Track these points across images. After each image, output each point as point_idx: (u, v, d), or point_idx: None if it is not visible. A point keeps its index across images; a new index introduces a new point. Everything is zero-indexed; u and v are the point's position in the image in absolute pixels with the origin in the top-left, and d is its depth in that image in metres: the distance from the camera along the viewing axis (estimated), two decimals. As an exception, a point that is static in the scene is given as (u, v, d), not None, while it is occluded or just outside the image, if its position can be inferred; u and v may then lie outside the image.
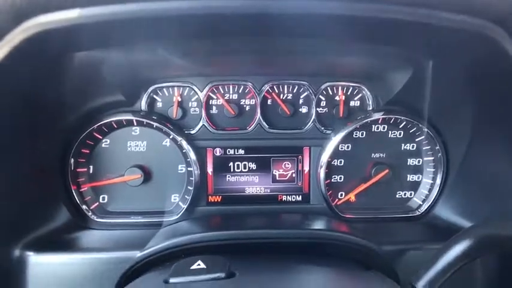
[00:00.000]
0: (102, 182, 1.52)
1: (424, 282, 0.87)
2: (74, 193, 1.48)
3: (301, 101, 1.61)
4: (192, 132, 1.57)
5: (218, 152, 1.59)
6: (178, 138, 1.51)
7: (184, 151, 1.53)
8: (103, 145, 1.53)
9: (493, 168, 1.32)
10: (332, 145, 1.54)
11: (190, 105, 1.57)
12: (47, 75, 1.13)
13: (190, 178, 1.54)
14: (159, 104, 1.57)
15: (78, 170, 1.50)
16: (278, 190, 1.62)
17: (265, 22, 0.91)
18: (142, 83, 1.53)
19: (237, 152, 1.59)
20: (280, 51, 1.36)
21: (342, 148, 1.59)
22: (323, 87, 1.59)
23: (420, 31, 0.94)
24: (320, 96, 1.60)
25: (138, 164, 1.53)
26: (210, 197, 1.60)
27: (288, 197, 1.62)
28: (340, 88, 1.60)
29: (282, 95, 1.60)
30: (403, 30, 0.95)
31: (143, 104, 1.54)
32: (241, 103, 1.59)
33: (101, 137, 1.52)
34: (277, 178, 1.62)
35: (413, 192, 1.63)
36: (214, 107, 1.58)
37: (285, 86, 1.60)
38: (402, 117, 1.54)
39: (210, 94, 1.57)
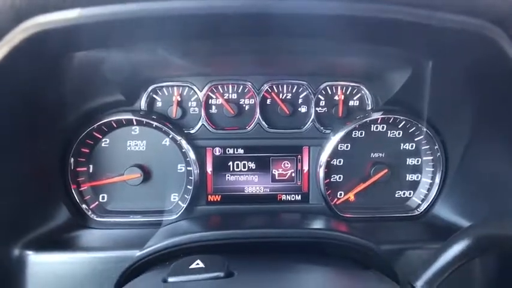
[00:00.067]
0: (101, 181, 1.53)
1: (422, 281, 0.87)
2: (74, 192, 1.48)
3: (300, 101, 1.61)
4: (192, 131, 1.57)
5: (217, 151, 1.59)
6: (178, 138, 1.51)
7: (183, 150, 1.53)
8: (103, 144, 1.53)
9: (492, 167, 1.32)
10: (331, 145, 1.54)
11: (189, 104, 1.58)
12: (46, 75, 1.13)
13: (190, 177, 1.54)
14: (159, 104, 1.57)
15: (78, 169, 1.50)
16: (277, 189, 1.62)
17: (265, 22, 0.91)
18: (142, 82, 1.54)
19: (237, 151, 1.59)
20: (279, 51, 1.36)
21: (341, 148, 1.59)
22: (322, 87, 1.59)
23: (420, 31, 0.94)
24: (319, 96, 1.60)
25: (138, 163, 1.53)
26: (209, 196, 1.60)
27: (287, 196, 1.63)
28: (339, 88, 1.60)
29: (281, 95, 1.60)
30: (403, 30, 0.95)
31: (143, 103, 1.55)
32: (241, 103, 1.59)
33: (100, 137, 1.52)
34: (277, 177, 1.62)
35: (412, 192, 1.63)
36: (213, 107, 1.59)
37: (284, 86, 1.60)
38: (401, 117, 1.54)
39: (210, 94, 1.57)
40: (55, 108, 1.31)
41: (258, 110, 1.58)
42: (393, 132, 1.60)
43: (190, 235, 1.09)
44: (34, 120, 1.21)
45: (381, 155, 1.60)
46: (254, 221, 1.48)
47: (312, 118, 1.59)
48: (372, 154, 1.60)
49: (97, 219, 1.51)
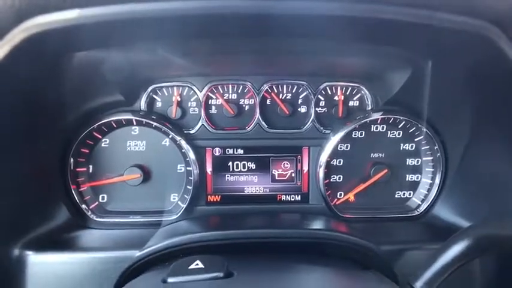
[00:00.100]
0: (101, 181, 1.53)
1: (422, 282, 0.87)
2: (74, 192, 1.48)
3: (300, 101, 1.61)
4: (191, 131, 1.57)
5: (217, 151, 1.59)
6: (178, 138, 1.51)
7: (183, 151, 1.53)
8: (102, 145, 1.53)
9: (491, 168, 1.32)
10: (331, 145, 1.54)
11: (189, 105, 1.58)
12: (46, 75, 1.13)
13: (190, 178, 1.54)
14: (159, 104, 1.57)
15: (78, 169, 1.50)
16: (277, 190, 1.62)
17: (265, 23, 0.91)
18: (142, 82, 1.54)
19: (236, 151, 1.59)
20: (279, 51, 1.36)
21: (341, 148, 1.59)
22: (322, 87, 1.59)
23: (419, 32, 0.95)
24: (319, 96, 1.60)
25: (138, 163, 1.53)
26: (209, 196, 1.60)
27: (287, 196, 1.63)
28: (339, 88, 1.60)
29: (281, 95, 1.60)
30: (402, 31, 0.95)
31: (142, 103, 1.55)
32: (241, 103, 1.59)
33: (100, 137, 1.52)
34: (277, 178, 1.62)
35: (412, 192, 1.63)
36: (213, 107, 1.59)
37: (284, 86, 1.60)
38: (401, 117, 1.54)
39: (209, 94, 1.58)
40: (55, 108, 1.31)
41: (257, 110, 1.58)
42: (393, 133, 1.60)
43: (190, 235, 1.09)
44: (34, 120, 1.21)
45: (380, 155, 1.60)
46: (254, 221, 1.48)
47: (311, 118, 1.59)
48: (371, 154, 1.60)
49: (97, 219, 1.51)
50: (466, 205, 1.46)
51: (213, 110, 1.59)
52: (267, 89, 1.58)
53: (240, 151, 1.60)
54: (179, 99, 1.57)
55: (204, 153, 1.58)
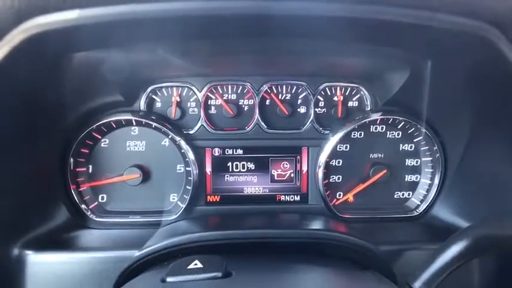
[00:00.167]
0: (101, 181, 1.53)
1: (421, 282, 0.87)
2: (73, 192, 1.49)
3: (299, 101, 1.61)
4: (191, 132, 1.58)
5: (217, 152, 1.59)
6: (177, 138, 1.52)
7: (183, 151, 1.53)
8: (102, 145, 1.53)
9: (491, 168, 1.32)
10: (330, 145, 1.54)
11: (189, 105, 1.58)
12: (46, 76, 1.13)
13: (189, 178, 1.54)
14: (158, 104, 1.57)
15: (78, 169, 1.50)
16: (276, 190, 1.63)
17: (265, 23, 0.92)
18: (141, 83, 1.54)
19: (236, 152, 1.60)
20: (278, 51, 1.37)
21: (340, 148, 1.60)
22: (321, 87, 1.59)
23: (419, 33, 0.95)
24: (318, 97, 1.61)
25: (137, 163, 1.54)
26: (208, 196, 1.60)
27: (286, 197, 1.63)
28: (338, 88, 1.60)
29: (280, 95, 1.60)
30: (402, 31, 0.96)
31: (142, 104, 1.55)
32: (240, 103, 1.59)
33: (100, 137, 1.52)
34: (276, 178, 1.62)
35: (411, 193, 1.63)
36: (213, 107, 1.59)
37: (284, 87, 1.60)
38: (400, 118, 1.54)
39: (209, 94, 1.58)
40: (55, 109, 1.31)
41: (257, 111, 1.58)
42: (392, 133, 1.60)
43: (189, 235, 1.09)
44: (34, 121, 1.21)
45: (380, 155, 1.60)
46: (253, 221, 1.48)
47: (311, 119, 1.60)
48: (371, 155, 1.60)
49: (96, 219, 1.51)
50: (465, 205, 1.46)
51: (213, 111, 1.59)
52: (266, 90, 1.59)
53: (240, 151, 1.60)
54: (179, 100, 1.57)
55: (204, 154, 1.59)
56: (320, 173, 1.56)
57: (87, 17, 0.80)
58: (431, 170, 1.58)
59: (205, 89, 1.56)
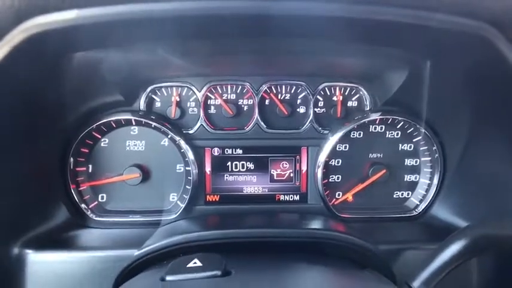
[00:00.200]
0: (101, 181, 1.53)
1: (420, 281, 0.88)
2: (73, 192, 1.49)
3: (299, 101, 1.61)
4: (190, 131, 1.58)
5: (216, 151, 1.60)
6: (177, 138, 1.52)
7: (182, 151, 1.53)
8: (102, 144, 1.54)
9: (490, 168, 1.32)
10: (330, 145, 1.55)
11: (188, 105, 1.58)
12: (46, 76, 1.13)
13: (189, 177, 1.55)
14: (158, 104, 1.57)
15: (78, 169, 1.50)
16: (276, 190, 1.63)
17: (263, 23, 0.92)
18: (141, 83, 1.54)
19: (235, 151, 1.60)
20: (278, 51, 1.37)
21: (339, 148, 1.60)
22: (321, 87, 1.60)
23: (417, 33, 0.95)
24: (318, 97, 1.61)
25: (137, 163, 1.54)
26: (208, 196, 1.61)
27: (285, 196, 1.63)
28: (337, 88, 1.61)
29: (279, 95, 1.60)
30: (401, 32, 0.96)
31: (142, 103, 1.55)
32: (239, 103, 1.60)
33: (100, 137, 1.53)
34: (275, 178, 1.62)
35: (410, 193, 1.63)
36: (212, 107, 1.59)
37: (283, 86, 1.60)
38: (400, 118, 1.54)
39: (208, 94, 1.58)
40: (54, 109, 1.31)
41: (256, 111, 1.59)
42: (391, 133, 1.60)
43: (188, 234, 1.10)
44: (34, 121, 1.21)
45: (379, 155, 1.61)
46: (252, 220, 1.48)
47: (310, 119, 1.60)
48: (370, 155, 1.61)
49: (96, 218, 1.51)
50: (464, 205, 1.46)
51: (212, 110, 1.59)
52: (265, 90, 1.59)
53: (239, 151, 1.60)
54: (178, 100, 1.57)
55: (203, 153, 1.59)
56: (319, 172, 1.56)
57: (86, 16, 0.80)
58: (431, 170, 1.59)
59: (204, 88, 1.57)
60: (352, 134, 1.59)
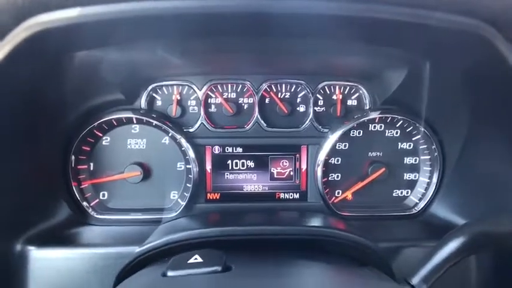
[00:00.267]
0: (102, 179, 1.54)
1: (419, 278, 0.88)
2: (75, 190, 1.50)
3: (298, 100, 1.62)
4: (191, 130, 1.59)
5: (217, 150, 1.60)
6: (178, 136, 1.53)
7: (183, 149, 1.54)
8: (103, 143, 1.54)
9: (489, 167, 1.33)
10: (329, 144, 1.55)
11: (189, 103, 1.59)
12: (47, 75, 1.14)
13: (189, 175, 1.55)
14: (159, 102, 1.58)
15: (79, 167, 1.51)
16: (276, 188, 1.64)
17: (263, 22, 0.93)
18: (142, 81, 1.55)
19: (235, 150, 1.60)
20: (278, 50, 1.37)
21: (339, 147, 1.61)
22: (320, 86, 1.60)
23: (416, 32, 0.96)
24: (317, 95, 1.61)
25: (138, 161, 1.54)
26: (208, 194, 1.61)
27: (285, 194, 1.64)
28: (337, 87, 1.61)
29: (279, 94, 1.61)
30: (400, 31, 0.97)
31: (143, 102, 1.56)
32: (240, 102, 1.60)
33: (101, 135, 1.53)
34: (275, 176, 1.63)
35: (409, 191, 1.64)
36: (212, 106, 1.60)
37: (283, 85, 1.61)
38: (399, 117, 1.55)
39: (209, 93, 1.59)
40: (55, 107, 1.32)
41: (256, 109, 1.59)
42: (391, 132, 1.61)
43: (189, 232, 1.10)
44: (35, 119, 1.22)
45: (378, 154, 1.61)
46: (253, 218, 1.48)
47: (310, 117, 1.61)
48: (369, 153, 1.61)
49: (97, 216, 1.52)
50: (463, 204, 1.47)
51: (213, 109, 1.60)
52: (265, 88, 1.60)
53: (239, 149, 1.61)
54: (179, 98, 1.58)
55: (204, 152, 1.60)
56: (319, 171, 1.57)
57: (89, 14, 0.81)
58: (430, 169, 1.59)
59: (205, 87, 1.57)
60: (351, 132, 1.60)
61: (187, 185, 1.56)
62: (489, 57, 0.94)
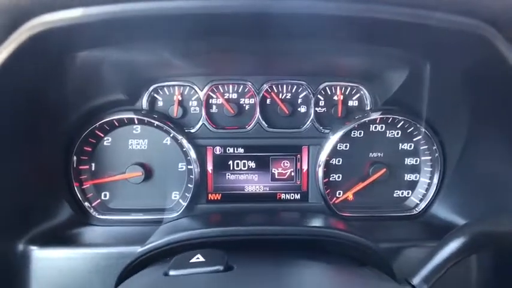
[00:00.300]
0: (103, 179, 1.54)
1: (419, 278, 0.88)
2: (76, 190, 1.50)
3: (299, 101, 1.62)
4: (192, 130, 1.59)
5: (218, 150, 1.61)
6: (179, 137, 1.53)
7: (184, 149, 1.55)
8: (105, 143, 1.55)
9: (490, 167, 1.33)
10: (330, 144, 1.56)
11: (190, 104, 1.59)
12: (49, 75, 1.15)
13: (191, 176, 1.56)
14: (160, 103, 1.58)
15: (81, 167, 1.52)
16: (277, 188, 1.64)
17: (263, 23, 0.93)
18: (143, 82, 1.55)
19: (237, 150, 1.61)
20: (279, 51, 1.38)
21: (340, 147, 1.61)
22: (321, 87, 1.61)
23: (416, 32, 0.96)
24: (318, 96, 1.62)
25: (139, 161, 1.55)
26: (209, 194, 1.62)
27: (286, 195, 1.64)
28: (338, 88, 1.62)
29: (280, 95, 1.61)
30: (399, 31, 0.97)
31: (144, 102, 1.56)
32: (241, 102, 1.61)
33: (102, 135, 1.54)
34: (276, 177, 1.63)
35: (410, 192, 1.64)
36: (214, 106, 1.60)
37: (284, 86, 1.61)
38: (400, 117, 1.55)
39: (210, 93, 1.59)
40: (57, 108, 1.32)
41: (257, 110, 1.60)
42: (392, 132, 1.61)
43: (190, 232, 1.11)
44: (36, 119, 1.22)
45: (379, 154, 1.61)
46: (254, 219, 1.49)
47: (311, 118, 1.61)
48: (370, 154, 1.61)
49: (99, 216, 1.52)
50: (464, 204, 1.47)
51: (214, 109, 1.61)
52: (266, 89, 1.60)
53: (241, 150, 1.61)
54: (180, 99, 1.58)
55: (205, 152, 1.60)
56: (320, 171, 1.57)
57: (92, 14, 0.81)
58: (431, 169, 1.60)
59: (206, 88, 1.58)
60: (352, 133, 1.60)
61: (189, 185, 1.56)
62: (489, 58, 0.95)
